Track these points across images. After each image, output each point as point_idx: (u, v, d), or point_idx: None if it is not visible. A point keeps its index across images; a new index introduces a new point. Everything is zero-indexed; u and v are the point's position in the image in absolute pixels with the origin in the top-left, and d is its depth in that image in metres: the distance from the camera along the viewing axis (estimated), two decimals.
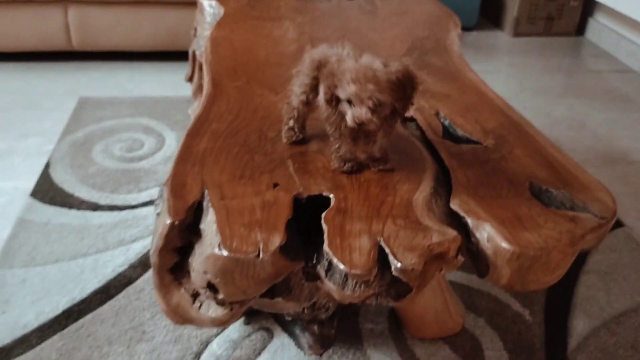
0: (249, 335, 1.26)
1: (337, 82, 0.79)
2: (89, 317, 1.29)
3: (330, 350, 1.22)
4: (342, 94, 0.79)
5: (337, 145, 0.86)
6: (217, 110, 1.03)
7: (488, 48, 3.13)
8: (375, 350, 1.22)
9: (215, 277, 0.70)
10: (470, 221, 0.75)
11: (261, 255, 0.68)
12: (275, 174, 0.84)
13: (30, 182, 1.77)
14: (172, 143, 2.01)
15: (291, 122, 0.92)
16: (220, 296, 0.72)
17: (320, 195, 0.80)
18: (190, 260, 0.76)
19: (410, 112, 1.04)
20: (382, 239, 0.71)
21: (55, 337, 1.24)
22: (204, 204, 0.78)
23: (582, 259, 1.52)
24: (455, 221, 0.78)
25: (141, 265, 1.45)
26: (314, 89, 0.88)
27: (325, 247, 0.70)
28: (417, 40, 1.40)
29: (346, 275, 0.69)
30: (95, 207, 1.66)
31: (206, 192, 0.79)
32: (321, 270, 0.72)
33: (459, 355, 1.22)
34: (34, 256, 1.47)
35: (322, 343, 1.22)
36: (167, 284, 0.79)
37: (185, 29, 2.55)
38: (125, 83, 2.49)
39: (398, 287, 0.72)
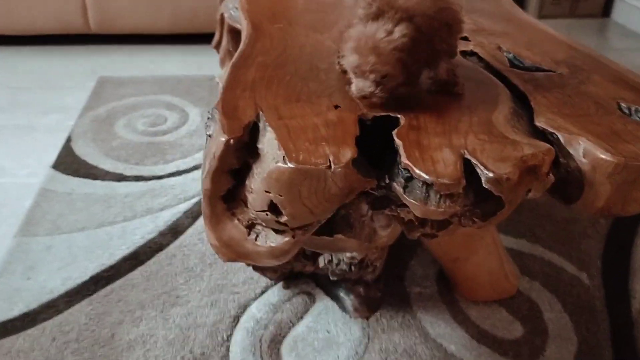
0: (289, 299, 1.18)
1: (342, 51, 0.73)
2: (118, 282, 1.22)
3: (378, 314, 1.14)
4: (346, 64, 0.73)
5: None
6: (260, 46, 0.95)
7: None
8: (426, 312, 1.14)
9: (279, 194, 0.62)
10: (561, 136, 0.67)
11: (333, 166, 0.61)
12: (335, 98, 0.76)
13: (52, 156, 1.70)
14: (197, 118, 1.94)
15: None
16: (283, 218, 0.65)
17: (387, 117, 0.72)
18: (247, 182, 0.68)
19: (470, 47, 0.96)
20: (466, 152, 0.63)
21: (84, 302, 1.17)
22: (260, 125, 0.70)
23: (635, 222, 1.43)
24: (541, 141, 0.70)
25: (171, 232, 1.38)
26: (374, 15, 0.80)
27: (404, 159, 0.62)
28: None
29: (427, 190, 0.61)
30: (121, 177, 1.59)
31: (261, 113, 0.71)
32: (397, 187, 0.64)
33: (517, 317, 1.14)
34: (58, 224, 1.40)
35: (369, 305, 1.14)
36: (218, 214, 0.71)
37: (206, 10, 2.48)
38: (146, 64, 2.43)
39: (484, 207, 0.64)
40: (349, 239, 0.78)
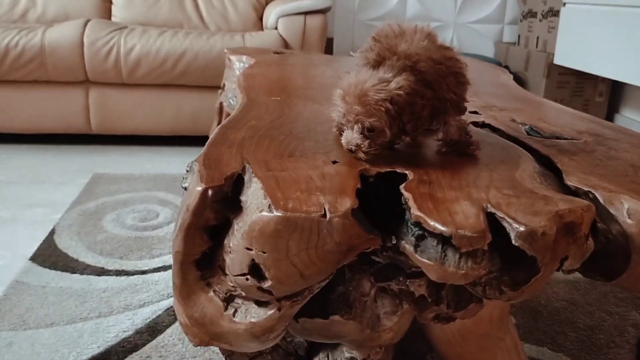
0: None
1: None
2: None
3: None
4: (334, 114, 0.67)
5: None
6: (255, 113, 0.88)
7: None
8: None
9: (262, 250, 0.51)
10: (599, 195, 0.57)
11: (328, 215, 0.50)
12: (332, 155, 0.67)
13: (32, 248, 1.58)
14: None
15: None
16: (267, 284, 0.52)
17: (393, 172, 0.62)
18: (225, 242, 0.57)
19: (481, 119, 0.89)
20: (489, 206, 0.52)
21: None
22: (245, 177, 0.60)
23: None
24: None
25: (149, 330, 1.23)
26: (374, 65, 0.73)
27: (414, 211, 0.51)
28: (470, 78, 1.28)
29: (444, 248, 0.49)
30: (101, 271, 1.46)
31: (247, 165, 0.62)
32: (408, 246, 0.52)
33: None
34: (25, 319, 1.25)
35: None
36: (190, 283, 0.59)
37: (207, 112, 2.48)
38: (144, 163, 2.37)
39: (513, 275, 0.52)
40: (347, 322, 0.65)
